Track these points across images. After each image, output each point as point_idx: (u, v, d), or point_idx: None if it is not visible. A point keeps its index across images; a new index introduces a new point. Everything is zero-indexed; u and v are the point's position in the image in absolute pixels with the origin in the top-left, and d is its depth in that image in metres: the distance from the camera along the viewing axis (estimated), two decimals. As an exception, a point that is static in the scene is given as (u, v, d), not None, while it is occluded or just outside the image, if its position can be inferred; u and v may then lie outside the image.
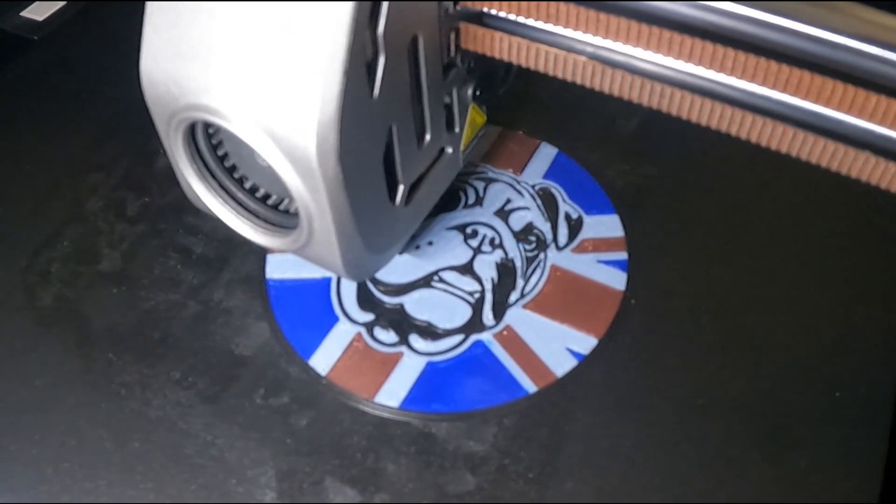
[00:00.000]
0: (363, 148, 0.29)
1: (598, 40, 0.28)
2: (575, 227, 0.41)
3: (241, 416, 0.36)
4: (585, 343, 0.37)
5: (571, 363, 0.36)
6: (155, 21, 0.29)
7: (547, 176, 0.43)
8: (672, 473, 0.33)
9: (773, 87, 0.26)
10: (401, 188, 0.33)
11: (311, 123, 0.27)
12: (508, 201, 0.41)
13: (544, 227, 0.41)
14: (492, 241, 0.40)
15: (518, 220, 0.41)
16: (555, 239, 0.40)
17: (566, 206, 0.41)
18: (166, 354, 0.38)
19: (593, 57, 0.29)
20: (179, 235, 0.41)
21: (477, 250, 0.40)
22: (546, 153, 0.44)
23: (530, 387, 0.36)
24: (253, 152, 0.30)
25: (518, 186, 0.42)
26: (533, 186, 0.42)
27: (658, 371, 0.36)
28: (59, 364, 0.37)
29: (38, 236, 0.42)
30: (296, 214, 0.31)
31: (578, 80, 0.30)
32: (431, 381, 0.36)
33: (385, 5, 0.27)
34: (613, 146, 0.44)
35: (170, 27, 0.29)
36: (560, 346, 0.37)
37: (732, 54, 0.26)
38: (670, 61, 0.27)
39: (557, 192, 0.42)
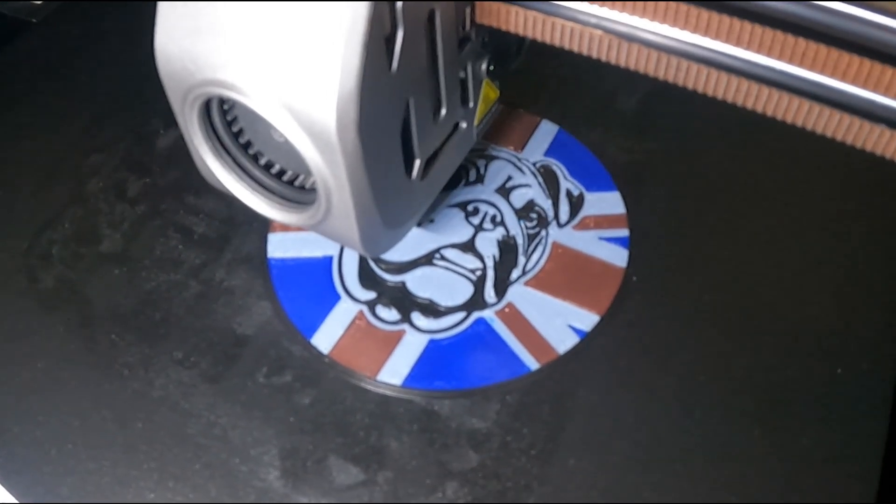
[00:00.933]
0: (381, 122, 0.29)
1: (613, 14, 0.28)
2: (576, 204, 0.41)
3: (243, 395, 0.36)
4: (587, 320, 0.37)
5: (573, 340, 0.36)
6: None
7: (548, 153, 0.42)
8: (673, 449, 0.34)
9: (789, 60, 0.26)
10: (417, 162, 0.33)
11: (331, 97, 0.27)
12: (509, 178, 0.41)
13: (545, 204, 0.41)
14: (493, 219, 0.40)
15: (519, 198, 0.41)
16: (556, 216, 0.40)
17: (567, 183, 0.41)
18: (168, 334, 0.38)
19: (609, 31, 0.28)
20: (180, 216, 0.41)
21: (478, 228, 0.40)
22: (547, 130, 0.43)
23: (532, 364, 0.36)
24: (269, 128, 0.30)
25: (519, 164, 0.42)
26: (534, 164, 0.42)
27: (659, 348, 0.36)
28: (62, 345, 0.38)
29: (39, 218, 0.42)
30: (312, 190, 0.31)
31: (594, 54, 0.29)
32: (434, 359, 0.36)
33: None
34: (614, 123, 0.44)
35: (185, 3, 0.29)
36: (562, 322, 0.37)
37: (749, 27, 0.26)
38: (686, 35, 0.27)
39: (558, 169, 0.42)
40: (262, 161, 0.33)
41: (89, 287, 0.39)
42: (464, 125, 0.35)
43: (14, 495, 0.34)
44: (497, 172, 0.42)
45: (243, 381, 0.36)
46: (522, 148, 0.43)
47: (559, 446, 0.34)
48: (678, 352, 0.36)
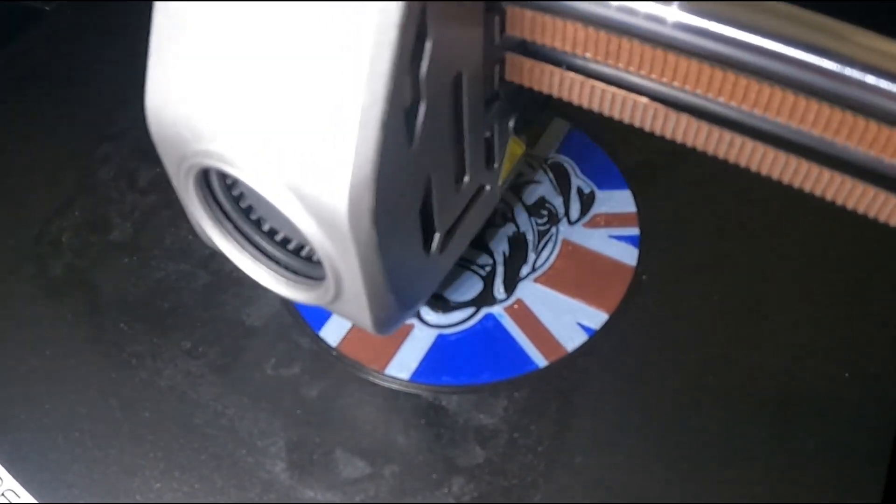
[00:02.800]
0: (399, 204, 0.27)
1: (658, 81, 0.26)
2: (587, 201, 0.40)
3: (251, 386, 0.36)
4: (596, 318, 0.37)
5: (582, 338, 0.36)
6: (162, 55, 0.26)
7: (560, 150, 0.42)
8: (680, 449, 0.33)
9: (847, 140, 0.24)
10: (437, 236, 0.30)
11: (344, 184, 0.24)
12: (520, 175, 0.41)
13: (556, 201, 0.40)
14: (504, 215, 0.40)
15: (530, 194, 0.41)
16: (567, 213, 0.40)
17: (578, 180, 0.41)
18: (177, 324, 0.38)
19: (655, 98, 0.26)
20: (191, 206, 0.41)
21: (489, 223, 0.40)
22: (559, 127, 0.43)
23: (540, 361, 0.36)
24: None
25: (530, 160, 0.42)
26: (546, 160, 0.42)
27: (668, 347, 0.36)
28: (70, 333, 0.38)
29: (49, 206, 0.42)
30: (319, 263, 0.28)
31: (637, 123, 0.27)
32: (442, 354, 0.36)
33: (429, 45, 0.24)
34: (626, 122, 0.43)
35: (180, 62, 0.26)
36: (571, 320, 0.37)
37: (808, 104, 0.23)
38: (741, 108, 0.25)
39: (570, 166, 0.42)
40: (266, 228, 0.30)
41: (98, 276, 0.39)
42: (488, 187, 0.33)
43: (20, 482, 0.34)
44: (508, 168, 0.42)
45: (251, 372, 0.36)
46: (534, 145, 0.43)
47: (566, 444, 0.34)
48: (686, 351, 0.36)
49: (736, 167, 0.38)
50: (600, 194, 0.41)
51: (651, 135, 0.42)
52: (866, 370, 0.35)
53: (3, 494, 0.34)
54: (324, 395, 0.35)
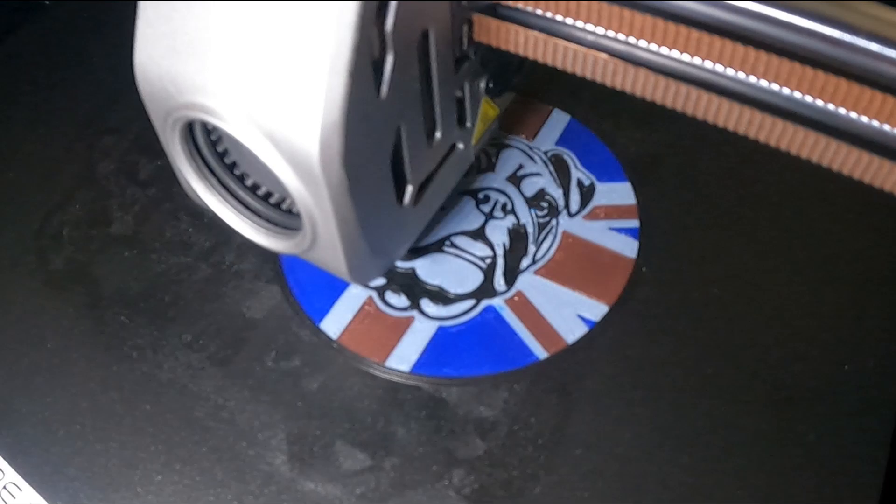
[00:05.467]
0: (369, 151, 0.28)
1: (620, 37, 0.27)
2: (587, 193, 0.40)
3: (251, 378, 0.36)
4: (596, 310, 0.37)
5: (582, 330, 0.36)
6: (149, 14, 0.28)
7: (559, 142, 0.42)
8: (681, 441, 0.34)
9: (807, 92, 0.25)
10: (409, 188, 0.32)
11: (314, 127, 0.26)
12: (521, 167, 0.41)
13: (556, 193, 0.40)
14: (504, 207, 0.40)
15: (530, 186, 0.41)
16: (567, 205, 0.40)
17: (578, 172, 0.41)
18: (177, 317, 0.38)
19: (615, 54, 0.27)
20: (191, 199, 0.41)
21: (489, 215, 0.40)
22: (559, 119, 0.43)
23: (541, 353, 0.36)
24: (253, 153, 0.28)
25: (530, 152, 0.42)
26: (545, 153, 0.42)
27: (668, 339, 0.36)
28: (71, 327, 0.38)
29: (50, 199, 0.42)
30: (299, 215, 0.30)
31: (598, 79, 0.28)
32: (442, 346, 0.36)
33: (393, 4, 0.26)
34: (626, 113, 0.43)
35: (165, 21, 0.27)
36: (571, 312, 0.37)
37: (765, 57, 0.25)
38: (696, 61, 0.26)
39: (570, 158, 0.42)
40: (248, 182, 0.32)
41: (99, 269, 0.39)
42: (461, 146, 0.34)
43: (21, 475, 0.34)
44: (508, 160, 0.42)
45: (251, 364, 0.36)
46: (534, 137, 0.43)
47: (566, 436, 0.34)
48: (686, 344, 0.36)
49: (735, 162, 0.38)
50: (600, 186, 0.41)
51: (652, 127, 0.43)
52: (866, 363, 0.35)
53: (4, 488, 0.34)
54: (324, 387, 0.35)
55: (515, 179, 0.41)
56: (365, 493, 0.33)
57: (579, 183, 0.41)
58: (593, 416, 0.34)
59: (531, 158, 0.42)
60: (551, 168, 0.41)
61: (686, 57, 0.26)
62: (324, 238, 0.30)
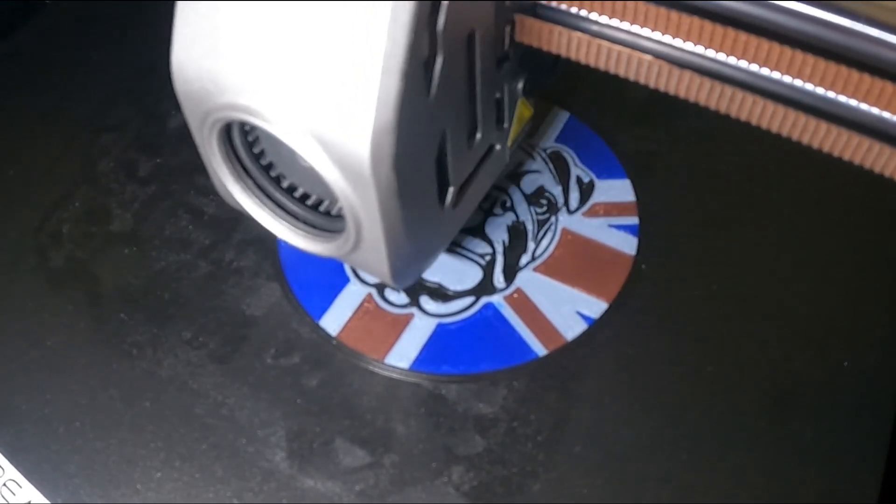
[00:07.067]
0: (417, 153, 0.28)
1: (666, 38, 0.27)
2: (586, 190, 0.40)
3: (251, 376, 0.36)
4: (596, 307, 0.37)
5: (581, 327, 0.36)
6: (188, 13, 0.27)
7: (559, 139, 0.42)
8: (680, 438, 0.34)
9: (853, 96, 0.25)
10: (451, 190, 0.31)
11: (366, 129, 0.25)
12: (520, 164, 0.41)
13: (556, 190, 0.40)
14: (503, 204, 0.40)
15: (530, 183, 0.41)
16: (566, 202, 0.40)
17: (577, 169, 0.41)
18: (177, 314, 0.38)
19: (660, 56, 0.27)
20: (191, 196, 0.41)
21: (488, 212, 0.40)
22: (558, 117, 0.43)
23: (540, 350, 0.36)
24: (294, 153, 0.28)
25: (530, 149, 0.42)
26: (545, 150, 0.42)
27: (667, 336, 0.36)
28: (71, 324, 0.38)
29: (49, 197, 0.42)
30: (338, 217, 0.30)
31: (642, 80, 0.28)
32: (442, 343, 0.36)
33: (445, 4, 0.25)
34: (626, 111, 0.43)
35: (204, 19, 0.27)
36: (570, 309, 0.37)
37: (812, 61, 0.24)
38: (742, 64, 0.26)
39: (569, 155, 0.42)
40: (285, 184, 0.31)
41: (99, 266, 0.39)
42: (498, 147, 0.34)
43: (21, 472, 0.34)
44: (508, 158, 0.42)
45: (251, 362, 0.36)
46: (533, 134, 0.43)
47: (565, 433, 0.34)
48: (685, 341, 0.36)
49: (734, 159, 0.38)
50: (599, 183, 0.41)
51: (651, 124, 0.43)
52: (865, 360, 0.35)
53: (4, 485, 0.34)
54: (324, 384, 0.35)
55: (515, 176, 0.41)
56: (364, 489, 0.33)
57: (578, 180, 0.41)
58: (592, 413, 0.34)
59: (530, 155, 0.42)
60: (551, 165, 0.41)
61: (731, 60, 0.26)
62: (368, 241, 0.29)
